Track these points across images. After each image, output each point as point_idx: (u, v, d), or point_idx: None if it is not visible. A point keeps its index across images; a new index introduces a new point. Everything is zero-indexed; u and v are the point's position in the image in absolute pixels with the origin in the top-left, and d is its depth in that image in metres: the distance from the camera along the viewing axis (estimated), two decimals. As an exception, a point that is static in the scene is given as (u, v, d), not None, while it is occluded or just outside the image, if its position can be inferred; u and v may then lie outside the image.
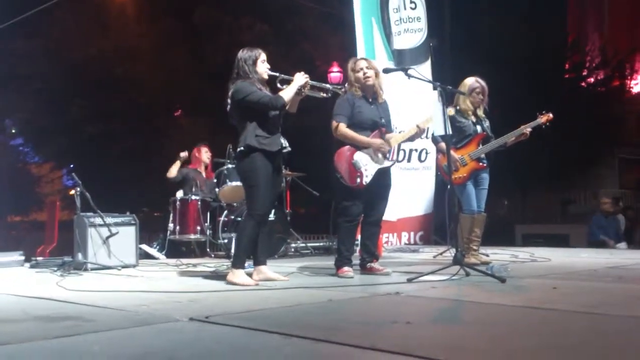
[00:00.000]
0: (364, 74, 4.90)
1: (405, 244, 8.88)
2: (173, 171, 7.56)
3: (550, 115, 5.51)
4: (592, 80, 14.48)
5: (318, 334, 2.45)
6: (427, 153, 9.06)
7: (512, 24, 13.71)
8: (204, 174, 7.80)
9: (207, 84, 14.89)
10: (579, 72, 14.62)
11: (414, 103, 7.85)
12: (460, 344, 2.30)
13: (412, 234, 9.08)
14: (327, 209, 9.88)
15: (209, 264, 6.18)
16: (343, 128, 4.81)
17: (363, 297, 3.68)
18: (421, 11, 9.37)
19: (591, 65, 14.51)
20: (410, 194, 8.81)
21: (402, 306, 3.36)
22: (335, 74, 13.60)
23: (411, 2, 9.25)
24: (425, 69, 8.99)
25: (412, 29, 9.26)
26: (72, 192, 20.29)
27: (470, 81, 5.59)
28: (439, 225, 9.84)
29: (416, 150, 9.01)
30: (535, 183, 13.53)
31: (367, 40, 8.90)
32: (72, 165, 17.58)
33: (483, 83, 5.62)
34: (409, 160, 8.99)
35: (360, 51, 8.91)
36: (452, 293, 3.70)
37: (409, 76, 4.70)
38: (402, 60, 8.99)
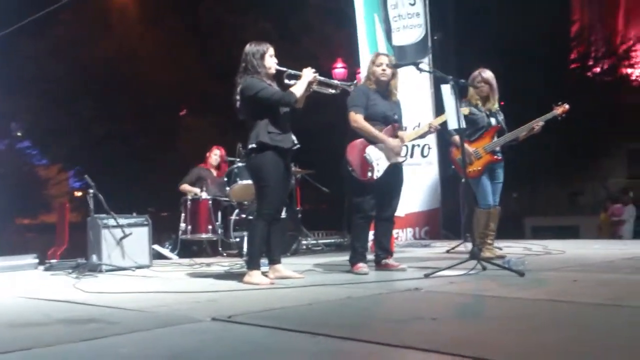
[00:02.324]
0: (383, 70, 4.89)
1: (415, 239, 8.86)
2: (187, 189, 7.53)
3: (567, 106, 5.44)
4: (598, 70, 14.40)
5: (344, 332, 2.44)
6: (429, 148, 9.08)
7: (517, 14, 13.64)
8: (214, 173, 7.79)
9: (212, 82, 14.89)
10: (584, 62, 14.54)
11: (412, 100, 7.85)
12: (489, 340, 2.29)
13: (417, 229, 9.07)
14: (337, 205, 9.90)
15: (222, 263, 6.18)
16: (361, 119, 4.79)
17: (382, 294, 3.67)
18: (420, 7, 9.35)
19: (597, 55, 14.43)
20: (414, 189, 8.79)
21: (423, 302, 3.35)
22: (339, 70, 13.56)
23: (409, -3, 9.26)
24: (423, 66, 8.97)
25: (411, 25, 9.26)
26: (80, 193, 20.35)
27: (474, 73, 5.56)
28: (449, 220, 9.83)
29: (418, 145, 9.00)
30: (543, 175, 13.49)
31: (370, 36, 8.88)
32: (78, 168, 17.65)
33: (485, 74, 5.55)
34: (411, 156, 8.97)
35: (363, 48, 8.89)
36: (472, 288, 3.69)
37: (421, 70, 4.68)
38: (403, 56, 8.97)
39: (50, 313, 3.26)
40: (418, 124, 8.39)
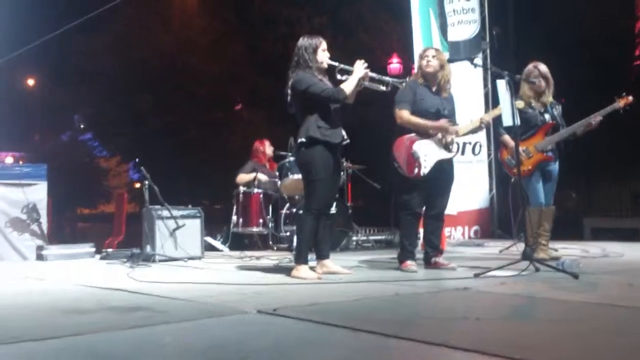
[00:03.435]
0: (427, 61, 4.82)
1: (464, 238, 8.75)
2: (244, 179, 7.58)
3: (630, 97, 5.22)
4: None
5: (386, 329, 2.42)
6: (480, 146, 8.98)
7: (578, 8, 13.22)
8: (268, 167, 7.86)
9: (265, 76, 15.02)
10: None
11: (463, 98, 7.72)
12: (535, 343, 2.23)
13: (466, 228, 8.94)
14: (388, 201, 9.84)
15: (271, 256, 6.24)
16: (406, 115, 4.73)
17: (430, 292, 3.62)
18: (475, 2, 9.20)
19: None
20: (465, 187, 8.67)
21: (471, 302, 3.28)
22: (394, 65, 13.44)
23: (466, -8, 9.12)
24: (478, 61, 8.82)
25: (467, 20, 9.13)
26: (138, 185, 20.93)
27: (529, 67, 5.41)
28: (503, 219, 9.65)
29: (470, 143, 8.88)
30: (605, 174, 13.04)
31: (425, 31, 8.80)
32: (137, 160, 18.11)
33: (542, 68, 5.39)
34: (462, 154, 8.85)
35: (417, 43, 8.81)
36: (523, 289, 3.60)
37: (475, 65, 4.60)
38: (456, 51, 8.85)
39: (102, 301, 3.36)
40: (470, 121, 8.27)
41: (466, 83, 8.41)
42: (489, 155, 9.48)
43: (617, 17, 13.54)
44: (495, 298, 3.38)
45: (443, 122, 4.75)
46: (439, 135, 4.76)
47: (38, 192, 6.80)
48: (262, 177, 7.39)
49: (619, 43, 13.40)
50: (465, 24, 9.16)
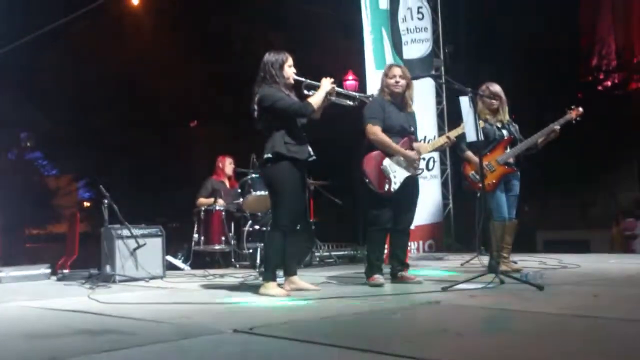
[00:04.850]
0: (396, 82, 4.87)
1: (418, 252, 8.83)
2: (203, 203, 7.46)
3: (581, 109, 5.39)
4: (609, 83, 14.35)
5: (369, 345, 2.41)
6: (434, 162, 9.14)
7: (527, 26, 13.63)
8: (227, 184, 7.77)
9: (222, 93, 14.93)
10: (595, 75, 14.50)
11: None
12: (519, 355, 2.25)
13: (420, 242, 9.04)
14: (349, 217, 9.84)
15: (235, 274, 6.15)
16: (379, 131, 4.75)
17: (403, 307, 3.63)
18: (427, 21, 9.42)
19: (607, 69, 14.39)
20: (419, 202, 8.77)
21: (445, 315, 3.30)
22: (350, 81, 13.55)
23: (418, 12, 9.34)
24: (429, 79, 9.03)
25: (420, 39, 9.34)
26: (88, 204, 20.31)
27: (481, 88, 5.53)
28: (460, 233, 9.80)
29: (424, 159, 8.98)
30: (555, 187, 13.41)
31: (377, 50, 8.86)
32: (88, 179, 17.70)
33: (493, 88, 5.52)
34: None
35: (369, 62, 8.85)
36: (493, 302, 3.64)
37: (438, 82, 4.66)
38: (410, 69, 8.94)
39: (68, 324, 3.24)
40: (424, 138, 8.41)
41: (420, 100, 8.48)
42: (443, 170, 9.63)
43: (565, 35, 14.02)
44: (468, 311, 3.41)
45: (411, 153, 4.79)
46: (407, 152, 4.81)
47: (-14, 213, 6.54)
48: (220, 202, 7.31)
49: (568, 60, 13.85)
50: (419, 42, 9.34)
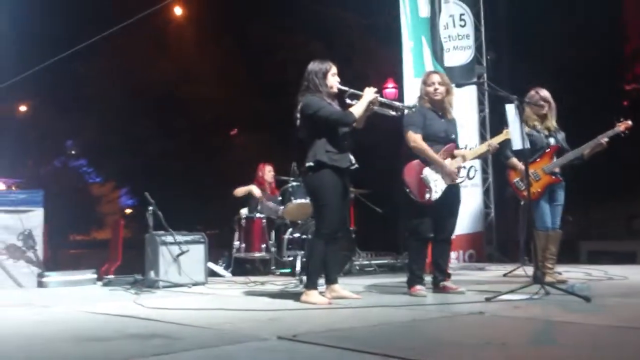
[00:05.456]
0: (435, 89, 4.85)
1: (459, 262, 8.74)
2: (241, 191, 7.57)
3: (629, 122, 5.29)
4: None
5: (415, 355, 2.40)
6: (475, 170, 9.04)
7: (571, 33, 13.40)
8: (268, 192, 7.84)
9: (263, 102, 15.08)
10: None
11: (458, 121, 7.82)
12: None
13: (460, 252, 8.94)
14: (389, 225, 9.81)
15: (276, 282, 6.19)
16: (420, 139, 4.73)
17: (446, 317, 3.60)
18: (470, 29, 9.36)
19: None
20: (460, 211, 8.70)
21: (489, 326, 3.27)
22: (390, 90, 13.52)
23: (461, 19, 9.28)
24: (472, 86, 8.96)
25: (461, 46, 9.29)
26: (130, 210, 20.71)
27: (530, 92, 5.46)
28: (502, 243, 9.66)
29: (465, 167, 8.89)
30: (599, 197, 13.12)
31: (417, 58, 8.83)
32: (130, 186, 18.07)
33: (543, 93, 5.46)
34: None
35: (408, 70, 8.82)
36: (539, 313, 3.58)
37: (483, 89, 4.62)
38: (452, 77, 8.88)
39: (117, 327, 3.32)
40: (465, 146, 8.33)
41: (462, 108, 8.43)
42: (485, 179, 9.52)
43: (610, 42, 13.74)
44: (513, 322, 3.37)
45: (450, 164, 4.76)
46: (448, 160, 4.78)
47: (34, 219, 6.71)
48: (257, 191, 7.39)
49: (613, 67, 13.57)
50: (461, 49, 9.29)
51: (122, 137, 16.32)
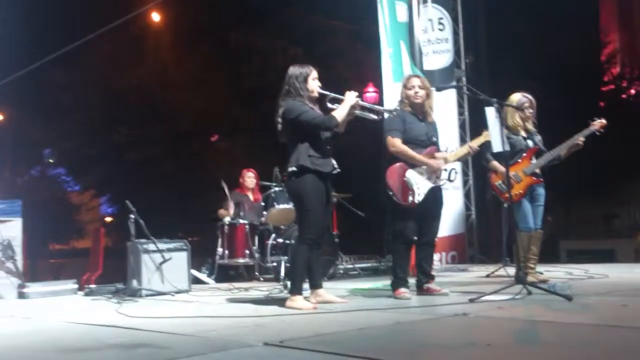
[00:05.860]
0: (415, 92, 4.88)
1: (441, 264, 8.79)
2: (224, 214, 7.51)
3: (604, 121, 5.39)
4: (632, 91, 14.21)
5: (401, 358, 2.41)
6: (456, 173, 9.05)
7: (548, 37, 13.58)
8: (251, 197, 7.81)
9: (243, 107, 15.05)
10: (618, 84, 14.37)
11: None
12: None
13: (443, 254, 9.00)
14: (372, 229, 9.82)
15: (260, 287, 6.17)
16: (399, 143, 4.77)
17: (431, 319, 3.62)
18: (449, 32, 9.43)
19: (631, 76, 14.25)
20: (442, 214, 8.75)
21: (474, 327, 3.29)
22: (371, 94, 13.57)
23: (439, 23, 9.36)
24: (451, 90, 9.04)
25: (441, 50, 9.35)
26: (110, 219, 20.51)
27: (518, 97, 5.53)
28: (483, 244, 9.74)
29: (445, 170, 8.96)
30: (578, 197, 13.29)
31: (395, 63, 8.87)
32: (110, 194, 17.89)
33: (530, 97, 5.57)
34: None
35: (387, 74, 8.87)
36: (522, 313, 3.62)
37: (463, 92, 4.66)
38: (431, 80, 8.96)
39: (100, 338, 3.28)
40: (446, 149, 8.39)
41: (441, 111, 8.48)
42: (466, 181, 9.59)
43: (587, 44, 13.93)
44: (497, 323, 3.39)
45: (434, 162, 4.80)
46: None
47: (13, 229, 6.61)
48: (222, 212, 7.37)
49: (590, 70, 13.76)
50: (440, 53, 9.35)
51: (101, 144, 16.18)
